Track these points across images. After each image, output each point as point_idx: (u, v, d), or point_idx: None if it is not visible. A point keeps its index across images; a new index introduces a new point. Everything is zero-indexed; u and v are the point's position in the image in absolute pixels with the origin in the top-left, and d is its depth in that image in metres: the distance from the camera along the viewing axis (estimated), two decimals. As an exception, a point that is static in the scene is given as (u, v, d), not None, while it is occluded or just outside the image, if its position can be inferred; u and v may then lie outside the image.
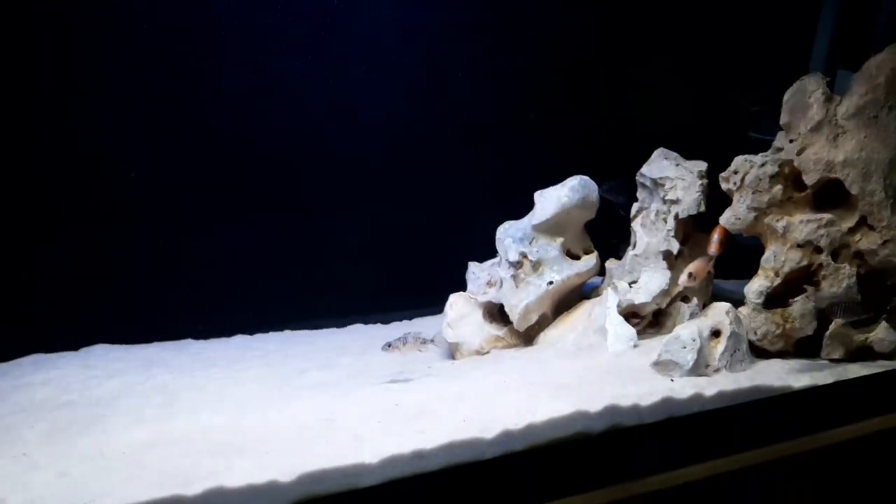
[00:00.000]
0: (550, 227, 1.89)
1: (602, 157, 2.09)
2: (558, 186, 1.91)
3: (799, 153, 1.82)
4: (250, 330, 1.95)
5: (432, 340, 1.88)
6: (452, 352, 1.89)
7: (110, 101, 1.79)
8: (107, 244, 1.81)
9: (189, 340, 1.88)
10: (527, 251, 1.86)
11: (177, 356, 1.77)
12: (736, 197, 1.87)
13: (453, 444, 1.46)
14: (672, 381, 1.71)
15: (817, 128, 1.81)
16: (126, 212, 1.82)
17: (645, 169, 1.99)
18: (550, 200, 1.88)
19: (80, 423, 1.44)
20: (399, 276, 2.11)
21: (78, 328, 1.81)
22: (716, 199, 1.93)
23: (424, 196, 2.10)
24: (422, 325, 2.04)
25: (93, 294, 1.82)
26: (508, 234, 1.89)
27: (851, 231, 1.82)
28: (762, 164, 1.84)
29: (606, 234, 1.98)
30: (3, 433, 1.41)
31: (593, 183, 1.93)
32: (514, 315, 1.84)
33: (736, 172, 1.87)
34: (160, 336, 1.87)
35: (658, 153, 1.99)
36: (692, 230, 1.99)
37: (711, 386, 1.70)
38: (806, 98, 1.83)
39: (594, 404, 1.57)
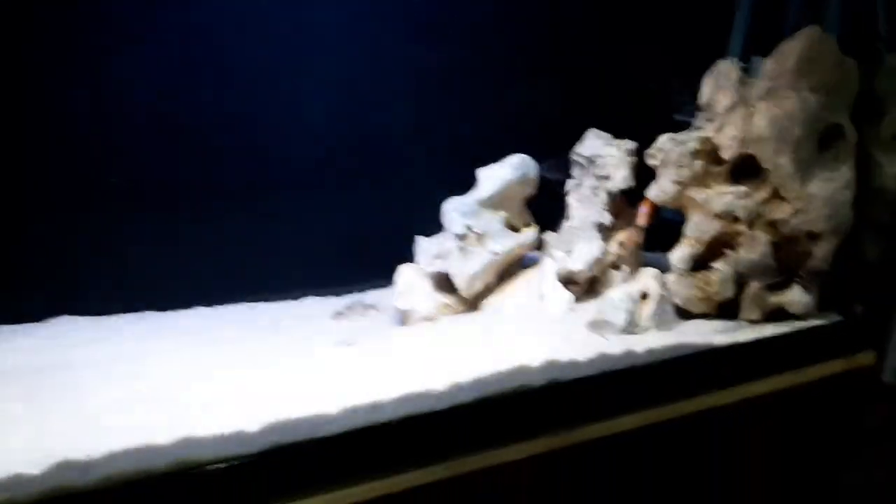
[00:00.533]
0: (493, 202, 2.02)
1: (541, 139, 2.23)
2: (500, 164, 2.03)
3: (717, 131, 1.99)
4: (208, 302, 2.03)
5: (373, 306, 2.01)
6: (403, 319, 2.00)
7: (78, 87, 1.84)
8: (68, 217, 1.86)
9: (149, 312, 1.95)
10: (472, 224, 1.98)
11: (138, 325, 1.84)
12: (661, 172, 2.02)
13: (408, 397, 1.57)
14: (606, 339, 1.85)
15: (733, 108, 1.98)
16: (86, 186, 1.87)
17: (579, 148, 2.13)
18: (493, 177, 2.01)
19: (54, 385, 1.50)
20: (351, 251, 2.21)
21: (41, 301, 1.86)
22: (643, 176, 2.08)
23: (376, 176, 2.21)
24: (372, 296, 2.15)
25: (54, 267, 1.87)
26: (454, 209, 2.01)
27: (765, 202, 1.99)
28: (684, 142, 2.00)
29: (544, 205, 2.12)
30: (-23, 395, 1.46)
31: (533, 161, 2.06)
32: (460, 283, 1.96)
33: (661, 150, 2.02)
34: (122, 309, 1.93)
35: (591, 133, 2.14)
36: (623, 204, 2.14)
37: (641, 343, 1.85)
38: (721, 82, 1.99)
39: (535, 359, 1.70)
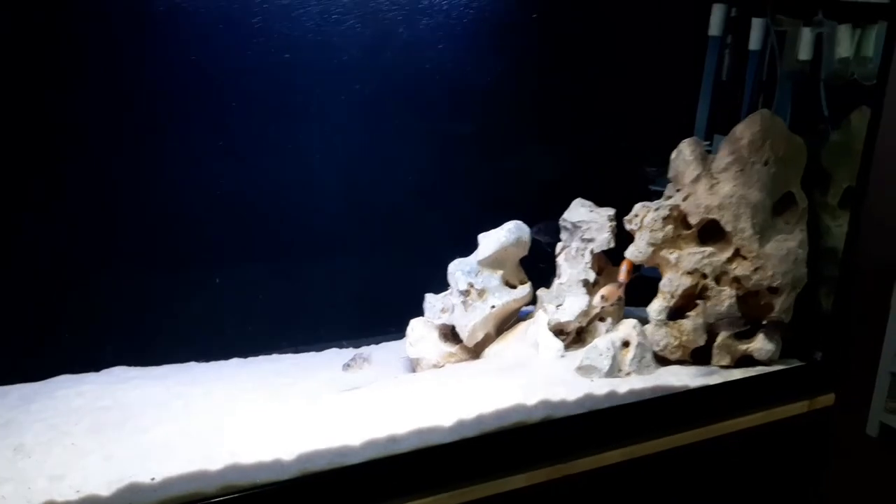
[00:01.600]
0: (492, 262, 2.25)
1: (532, 207, 2.48)
2: (498, 229, 2.27)
3: (684, 199, 2.24)
4: (244, 354, 2.25)
5: (367, 359, 2.23)
6: (414, 366, 2.22)
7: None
8: (113, 278, 2.08)
9: (192, 363, 2.16)
10: (473, 281, 2.22)
11: (185, 374, 2.06)
12: (637, 235, 2.26)
13: (420, 431, 1.78)
14: (592, 381, 2.07)
15: (697, 179, 2.24)
16: (136, 252, 2.10)
17: (566, 215, 2.38)
18: (491, 240, 2.25)
19: (115, 421, 1.71)
20: (368, 307, 2.44)
21: (96, 353, 2.08)
22: (622, 239, 2.33)
23: (388, 241, 2.44)
24: (386, 348, 2.36)
25: (107, 322, 2.10)
26: (458, 269, 2.24)
27: (729, 260, 2.22)
28: (657, 209, 2.24)
29: (536, 265, 2.36)
30: (52, 429, 1.67)
31: (526, 226, 2.30)
32: (463, 333, 2.19)
33: (636, 216, 2.27)
34: (166, 360, 2.15)
35: (576, 202, 2.39)
36: (605, 263, 2.38)
37: (624, 385, 2.06)
38: (686, 157, 2.26)
39: (531, 399, 1.92)
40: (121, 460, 1.57)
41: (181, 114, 2.10)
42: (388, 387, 2.00)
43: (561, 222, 2.39)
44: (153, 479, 1.53)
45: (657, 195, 2.37)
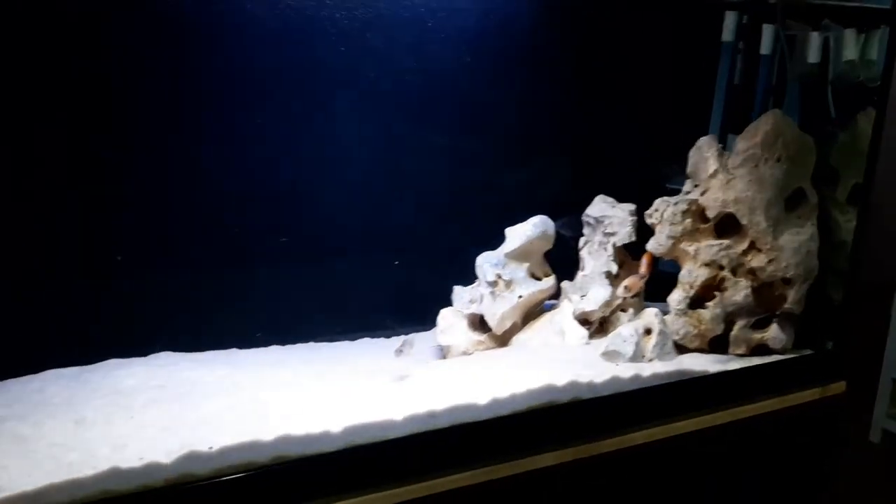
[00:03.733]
0: (518, 255, 2.32)
1: (556, 204, 2.55)
2: (524, 223, 2.34)
3: (702, 194, 2.31)
4: (282, 341, 2.31)
5: (412, 344, 2.29)
6: (444, 354, 2.28)
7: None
8: (156, 269, 2.13)
9: (234, 350, 2.22)
10: (501, 273, 2.28)
11: (229, 359, 2.11)
12: (658, 229, 2.32)
13: (457, 408, 1.84)
14: (617, 366, 2.12)
15: (714, 175, 2.31)
16: (179, 241, 2.16)
17: (589, 210, 2.45)
18: (517, 234, 2.32)
19: (170, 398, 1.77)
20: (400, 299, 2.50)
21: (144, 339, 2.13)
22: (643, 233, 2.39)
23: (421, 236, 2.49)
24: (416, 339, 2.42)
25: (155, 309, 2.15)
26: (486, 261, 2.31)
27: (745, 252, 2.28)
28: (676, 203, 2.30)
29: (561, 258, 2.43)
30: (111, 405, 1.73)
31: (550, 220, 2.37)
32: (492, 322, 2.25)
33: (657, 210, 2.33)
34: (208, 347, 2.21)
35: (598, 198, 2.46)
36: (626, 257, 2.44)
37: (647, 369, 2.12)
38: (704, 154, 2.33)
39: (560, 381, 1.97)
40: (179, 431, 1.62)
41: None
42: (426, 370, 2.06)
43: (584, 217, 2.45)
44: (211, 447, 1.58)
45: (674, 193, 2.43)
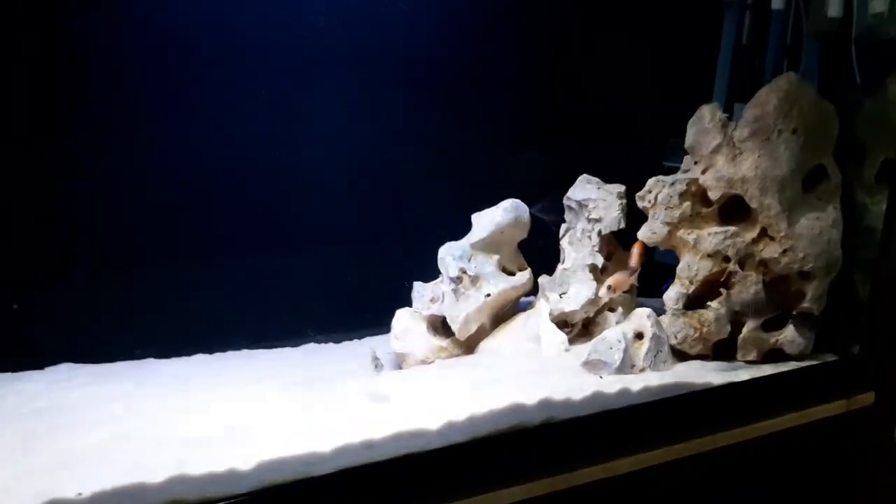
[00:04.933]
0: (486, 245, 2.01)
1: (533, 184, 2.24)
2: (493, 208, 2.03)
3: (703, 172, 1.98)
4: (209, 349, 2.00)
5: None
6: (399, 362, 1.97)
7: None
8: (64, 265, 1.86)
9: (151, 360, 1.92)
10: (466, 267, 1.97)
11: (141, 371, 1.81)
12: (651, 214, 2.01)
13: (401, 435, 1.53)
14: (601, 378, 1.81)
15: (717, 150, 1.98)
16: (89, 241, 1.88)
17: (571, 192, 2.13)
18: (486, 221, 2.01)
19: (49, 426, 1.47)
20: (349, 297, 2.19)
21: (42, 350, 1.84)
22: (634, 220, 2.07)
23: (371, 223, 2.21)
24: (370, 343, 2.12)
25: (55, 317, 1.86)
26: (449, 253, 2.00)
27: (755, 241, 1.97)
28: (672, 184, 1.99)
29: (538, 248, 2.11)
30: (-32, 437, 1.42)
31: (524, 205, 2.06)
32: (455, 325, 1.94)
33: (650, 192, 2.02)
34: (123, 356, 1.91)
35: (582, 179, 2.14)
36: (615, 247, 2.12)
37: (637, 382, 1.80)
38: (706, 124, 2.00)
39: (531, 398, 1.66)
40: (50, 470, 1.31)
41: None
42: (369, 385, 1.74)
43: (565, 201, 2.14)
44: (80, 494, 1.28)
45: (671, 171, 2.11)
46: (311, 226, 2.17)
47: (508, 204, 2.01)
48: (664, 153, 2.25)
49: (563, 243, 2.10)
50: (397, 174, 2.19)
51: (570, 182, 2.16)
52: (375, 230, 2.23)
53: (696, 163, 2.01)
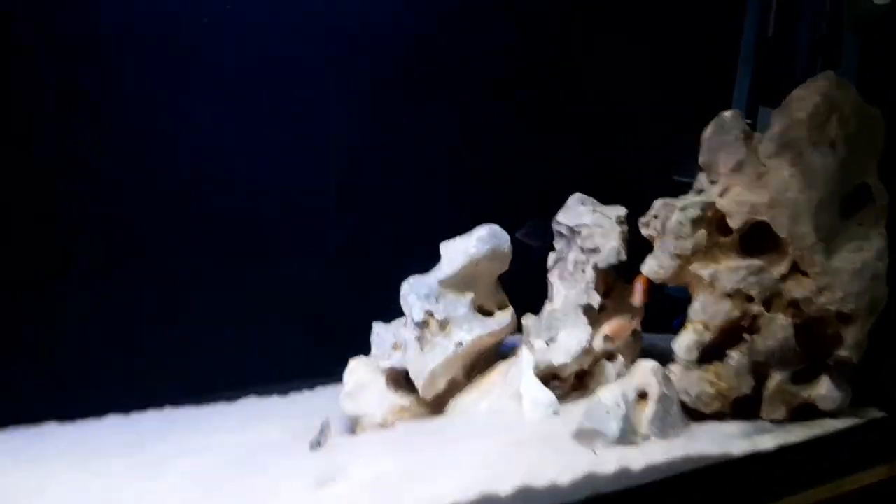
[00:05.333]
0: (458, 282, 1.67)
1: (519, 200, 1.91)
2: (465, 237, 1.70)
3: (721, 194, 1.65)
4: (126, 407, 1.67)
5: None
6: (353, 426, 1.64)
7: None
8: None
9: (52, 424, 1.59)
10: (433, 309, 1.64)
11: (25, 445, 1.48)
12: (657, 244, 1.68)
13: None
14: (595, 453, 1.48)
15: (739, 167, 1.65)
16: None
17: (561, 216, 1.79)
18: (457, 252, 1.67)
19: None
20: (299, 340, 1.87)
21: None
22: (638, 246, 1.74)
23: (325, 249, 1.88)
24: (322, 395, 1.78)
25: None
26: (413, 291, 1.67)
27: (784, 277, 1.65)
28: (683, 208, 1.66)
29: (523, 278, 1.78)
30: None
31: (504, 232, 1.73)
32: (418, 382, 1.61)
33: (656, 217, 1.69)
34: (17, 420, 1.58)
35: (574, 199, 1.81)
36: (614, 280, 1.79)
37: (640, 457, 1.48)
38: (725, 136, 1.67)
39: (505, 485, 1.33)
40: None
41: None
42: (301, 463, 1.41)
43: (555, 225, 1.81)
44: None
45: (682, 190, 1.77)
46: (256, 249, 1.83)
47: (484, 232, 1.68)
48: (674, 166, 1.90)
49: (552, 277, 1.77)
50: (359, 188, 1.85)
51: (563, 198, 1.82)
52: (334, 255, 1.89)
53: (712, 182, 1.69)
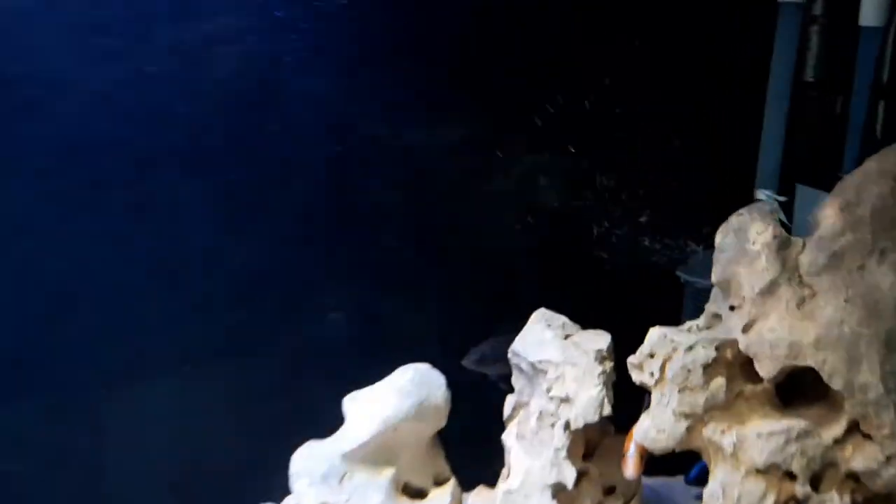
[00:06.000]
0: (371, 454, 1.20)
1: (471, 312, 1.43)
2: (382, 387, 1.23)
3: (746, 329, 1.16)
4: None
5: None
6: None
7: None
8: None
9: None
10: (333, 499, 1.16)
11: None
12: (655, 396, 1.19)
13: None
14: None
15: (771, 289, 1.15)
16: None
17: (518, 344, 1.30)
18: (368, 414, 1.19)
19: None
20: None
21: None
22: (627, 389, 1.25)
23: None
24: None
25: None
26: (305, 469, 1.19)
27: (838, 442, 1.16)
28: (691, 348, 1.16)
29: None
30: None
31: (436, 375, 1.25)
32: None
33: (652, 356, 1.20)
34: None
35: (536, 317, 1.32)
36: (600, 433, 1.30)
37: None
38: (748, 243, 1.17)
39: None
40: None
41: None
42: None
43: (511, 357, 1.31)
44: None
45: (696, 294, 1.29)
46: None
47: (406, 380, 1.21)
48: (678, 257, 1.41)
49: (509, 437, 1.28)
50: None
51: (529, 307, 1.33)
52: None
53: (732, 308, 1.18)
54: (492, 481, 1.30)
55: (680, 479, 1.54)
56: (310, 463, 1.21)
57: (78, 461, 1.44)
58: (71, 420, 1.41)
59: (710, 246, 1.26)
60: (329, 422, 1.26)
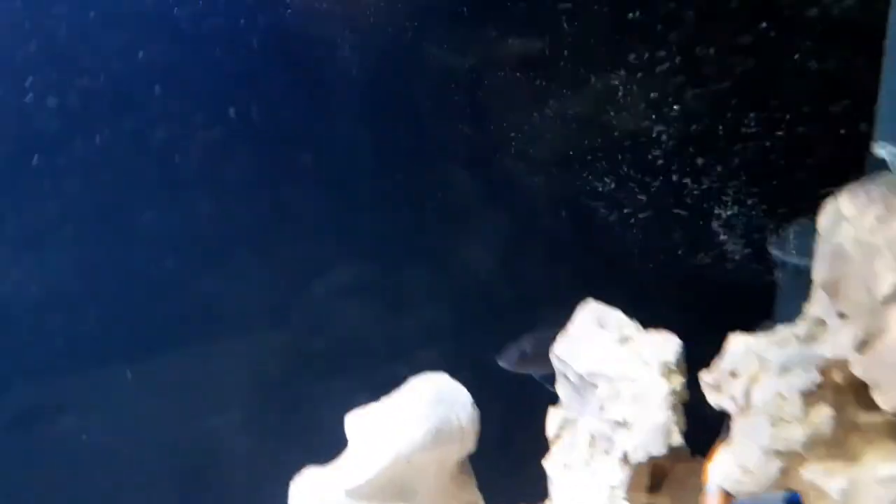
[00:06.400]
0: (380, 490, 1.00)
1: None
2: (391, 406, 1.01)
3: (861, 348, 0.88)
4: None
5: None
6: None
7: None
8: None
9: None
10: (336, 543, 0.97)
11: None
12: (740, 425, 0.94)
13: None
14: None
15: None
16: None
17: (563, 347, 1.06)
18: (375, 443, 0.99)
19: None
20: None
21: None
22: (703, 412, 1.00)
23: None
24: None
25: None
26: (306, 506, 1.00)
27: None
28: (787, 368, 0.90)
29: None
30: None
31: (459, 390, 1.03)
32: None
33: (733, 374, 0.94)
34: None
35: (585, 312, 1.07)
36: (671, 459, 1.06)
37: None
38: (863, 233, 0.88)
39: None
40: None
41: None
42: None
43: (556, 362, 1.08)
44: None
45: (796, 277, 1.02)
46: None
47: (419, 400, 0.99)
48: (776, 244, 1.13)
49: (553, 465, 1.05)
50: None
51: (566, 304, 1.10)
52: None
53: (842, 316, 0.90)
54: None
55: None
56: (310, 500, 1.02)
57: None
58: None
59: (815, 215, 0.97)
60: (335, 419, 1.07)
